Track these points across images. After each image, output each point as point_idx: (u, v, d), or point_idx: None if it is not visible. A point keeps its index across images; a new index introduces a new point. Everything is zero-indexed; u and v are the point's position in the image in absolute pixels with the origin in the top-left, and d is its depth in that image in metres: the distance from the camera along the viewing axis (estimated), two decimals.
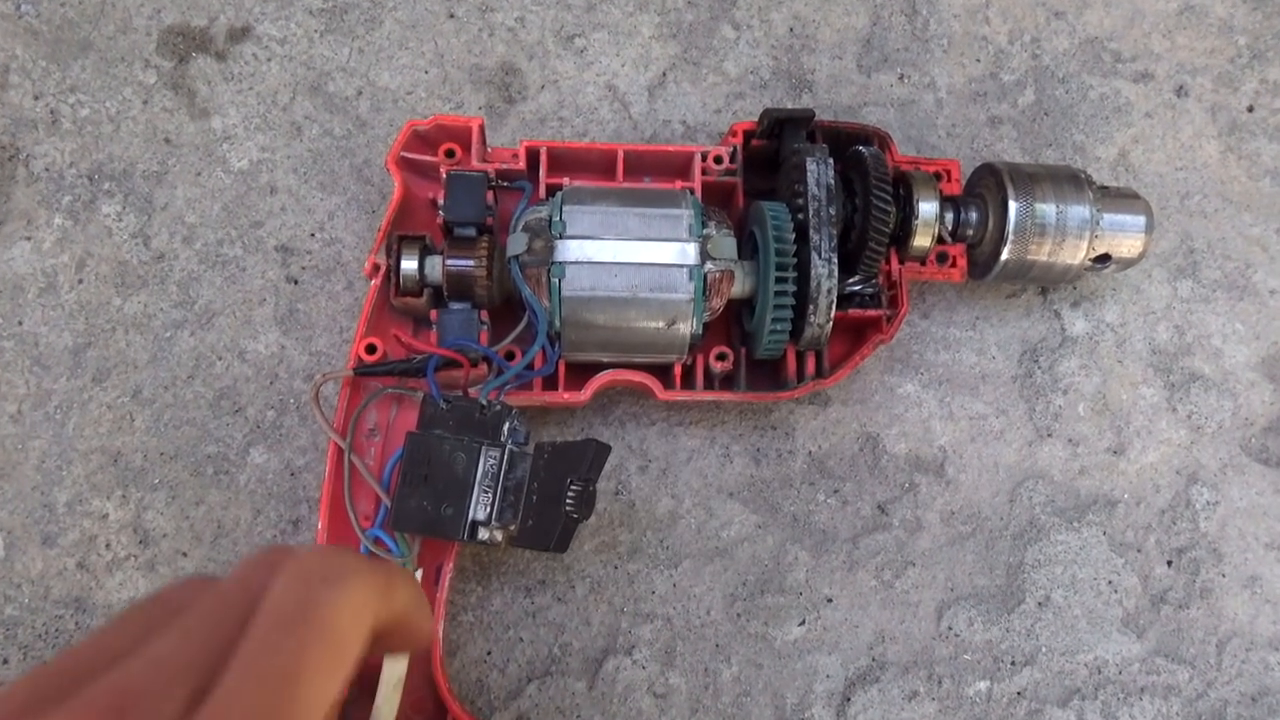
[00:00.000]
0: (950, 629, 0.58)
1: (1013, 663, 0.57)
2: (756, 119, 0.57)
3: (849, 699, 0.56)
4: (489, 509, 0.46)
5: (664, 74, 0.65)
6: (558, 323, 0.50)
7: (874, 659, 0.57)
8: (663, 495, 0.59)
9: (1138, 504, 0.61)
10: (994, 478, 0.60)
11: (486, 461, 0.46)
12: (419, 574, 0.47)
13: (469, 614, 0.56)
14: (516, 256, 0.49)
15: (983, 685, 0.57)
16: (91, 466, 0.57)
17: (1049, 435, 0.61)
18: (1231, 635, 0.59)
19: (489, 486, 0.46)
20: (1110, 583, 0.59)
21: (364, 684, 0.34)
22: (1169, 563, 0.60)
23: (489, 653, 0.56)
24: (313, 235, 0.61)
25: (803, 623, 0.57)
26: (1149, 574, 0.59)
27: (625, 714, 0.55)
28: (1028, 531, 0.60)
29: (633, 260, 0.50)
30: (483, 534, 0.45)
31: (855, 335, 0.59)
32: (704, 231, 0.52)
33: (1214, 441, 0.62)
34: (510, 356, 0.52)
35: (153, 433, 0.57)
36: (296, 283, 0.60)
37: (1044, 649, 0.58)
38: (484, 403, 0.47)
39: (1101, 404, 0.62)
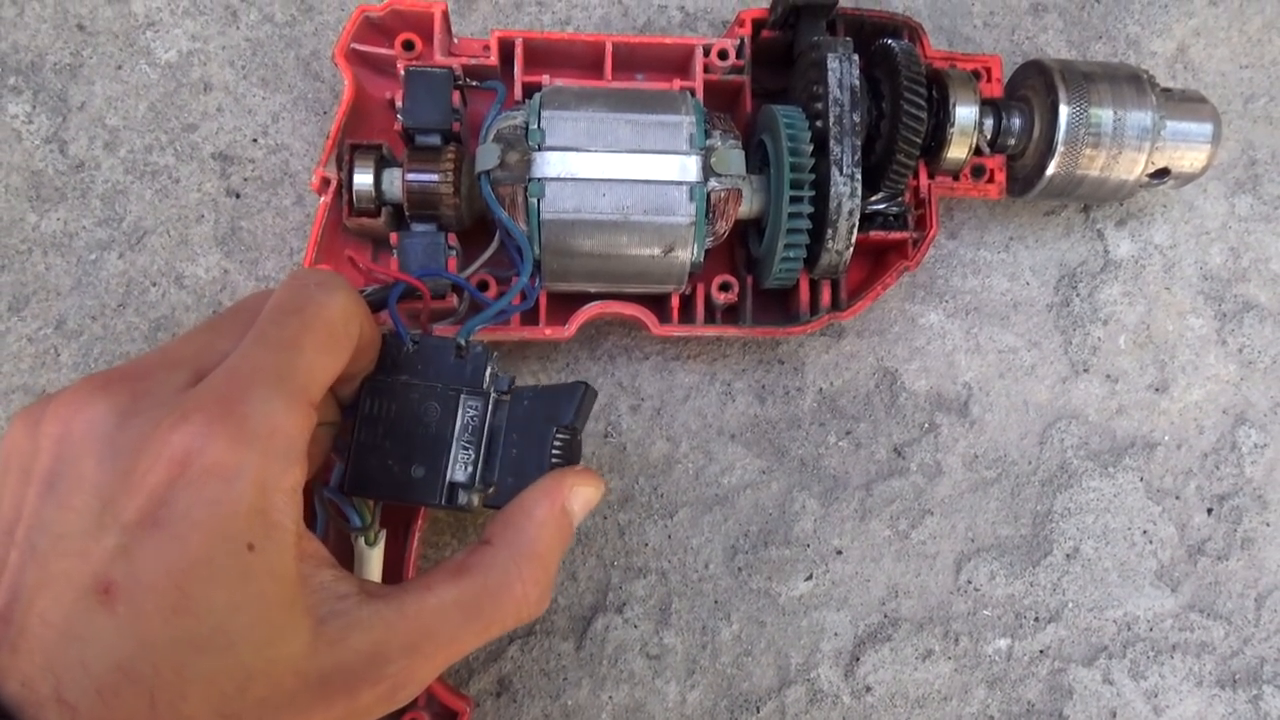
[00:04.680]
0: (969, 583, 0.53)
1: (1036, 619, 0.53)
2: (768, 6, 0.49)
3: (858, 659, 0.52)
4: (471, 469, 0.39)
5: None
6: (536, 249, 0.43)
7: (886, 615, 0.52)
8: (657, 437, 0.53)
9: (1179, 446, 0.55)
10: (1023, 418, 0.55)
11: (466, 413, 0.39)
12: (382, 537, 0.41)
13: (443, 561, 0.51)
14: (487, 172, 0.42)
15: (1003, 643, 0.53)
16: (13, 406, 0.50)
17: (1085, 370, 0.55)
18: (1273, 589, 0.54)
19: (469, 442, 0.39)
20: (1145, 533, 0.54)
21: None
22: (1209, 511, 0.55)
23: None
24: (255, 141, 0.53)
25: (810, 577, 0.52)
26: (1187, 523, 0.54)
27: (616, 676, 0.51)
28: (1058, 477, 0.54)
29: (624, 176, 0.43)
30: (463, 498, 0.39)
31: (875, 260, 0.53)
32: (707, 142, 0.44)
33: (1266, 378, 0.56)
34: (483, 287, 0.45)
35: (80, 369, 0.51)
36: (238, 196, 0.52)
37: (1070, 604, 0.53)
38: (462, 343, 0.39)
39: (1145, 336, 0.56)
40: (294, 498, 0.30)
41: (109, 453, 0.28)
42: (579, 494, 0.38)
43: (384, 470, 0.38)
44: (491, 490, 0.39)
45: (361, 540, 0.40)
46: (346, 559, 0.40)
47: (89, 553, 0.27)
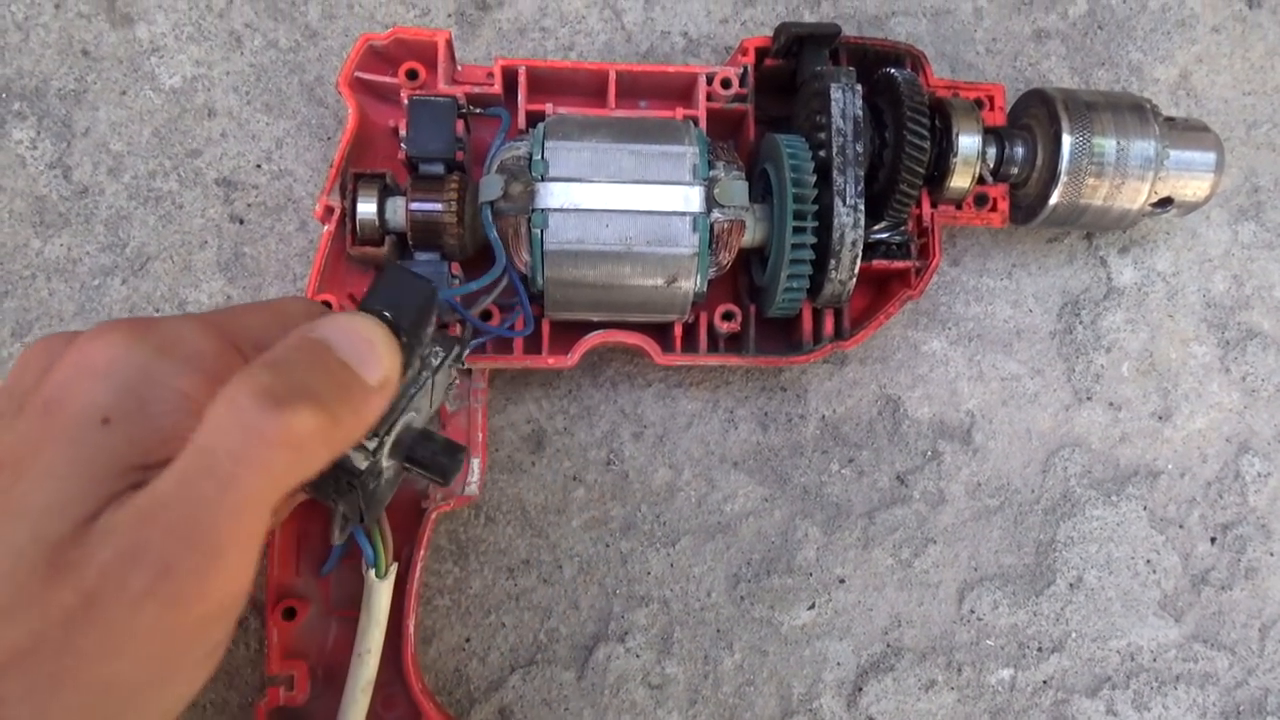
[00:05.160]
0: (973, 612, 0.53)
1: (1039, 649, 0.53)
2: (770, 32, 0.49)
3: (861, 689, 0.52)
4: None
5: None
6: (540, 280, 0.43)
7: (889, 645, 0.52)
8: (659, 465, 0.53)
9: (1182, 475, 0.55)
10: (1026, 446, 0.54)
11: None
12: (393, 571, 0.41)
13: (445, 597, 0.51)
14: (490, 203, 0.42)
15: (1006, 673, 0.52)
16: None
17: (1088, 398, 0.55)
18: (1277, 619, 0.54)
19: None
20: (1149, 562, 0.54)
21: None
22: (1213, 540, 0.55)
23: (468, 640, 0.50)
24: (259, 166, 0.53)
25: (812, 606, 0.52)
26: (1190, 552, 0.54)
27: (618, 706, 0.50)
28: (1061, 505, 0.54)
29: (627, 207, 0.43)
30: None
31: (878, 287, 0.53)
32: (710, 173, 0.44)
33: (1269, 406, 0.56)
34: (487, 316, 0.45)
35: None
36: (242, 222, 0.52)
37: (1074, 634, 0.53)
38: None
39: (1148, 363, 0.56)
40: (175, 398, 0.28)
41: (45, 366, 0.29)
42: (334, 322, 0.31)
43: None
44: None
45: (372, 573, 0.40)
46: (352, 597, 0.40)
47: None
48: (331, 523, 0.37)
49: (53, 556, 0.25)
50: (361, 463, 0.33)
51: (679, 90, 0.50)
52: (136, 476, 0.27)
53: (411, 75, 0.45)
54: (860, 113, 0.46)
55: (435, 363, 0.36)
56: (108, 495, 0.26)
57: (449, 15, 0.54)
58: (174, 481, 0.26)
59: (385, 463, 0.34)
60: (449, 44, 0.46)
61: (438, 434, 0.36)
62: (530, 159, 0.42)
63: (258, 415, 0.26)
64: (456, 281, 0.44)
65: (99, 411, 0.27)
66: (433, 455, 0.35)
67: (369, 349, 0.30)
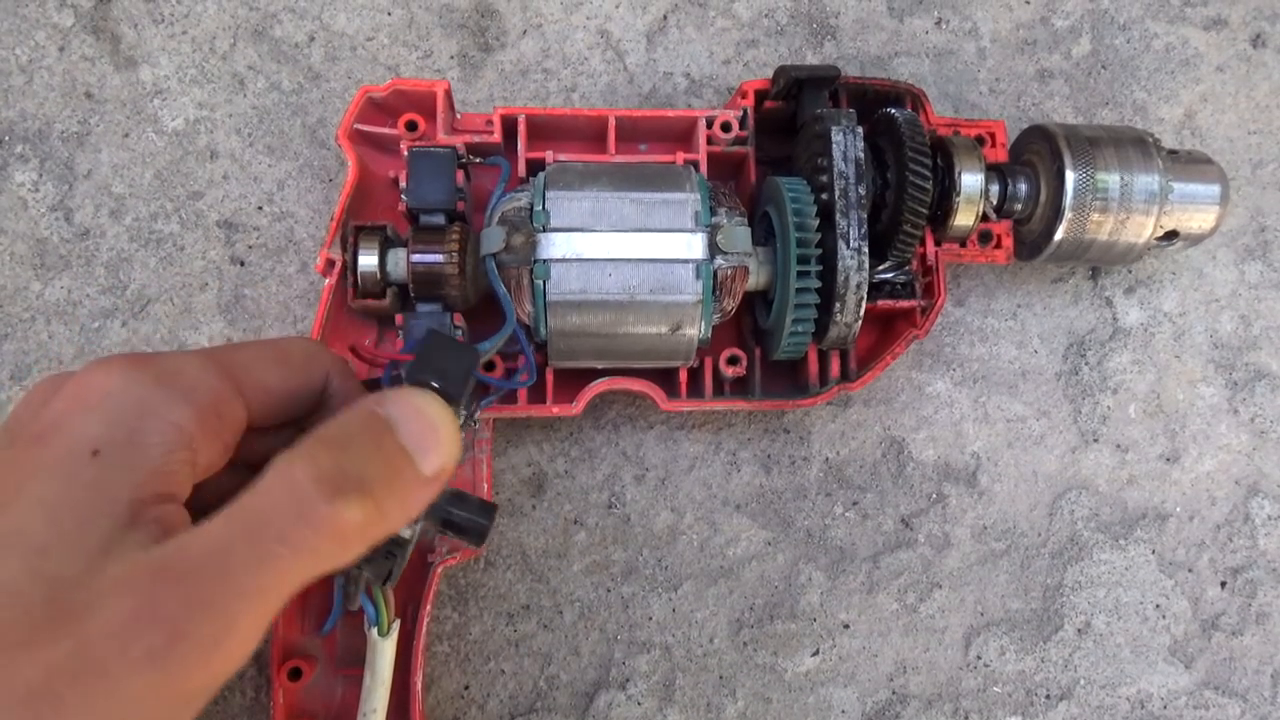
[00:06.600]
0: (979, 658, 0.52)
1: (1047, 696, 0.52)
2: (771, 74, 0.49)
3: None
4: None
5: (665, 17, 0.56)
6: (543, 330, 0.43)
7: (894, 692, 0.52)
8: (661, 508, 0.52)
9: (1191, 518, 0.54)
10: (1032, 488, 0.54)
11: None
12: (395, 628, 0.40)
13: (445, 644, 0.50)
14: (493, 255, 0.41)
15: None
16: None
17: (1095, 440, 0.54)
18: None
19: None
20: (1158, 607, 0.53)
21: None
22: (1223, 584, 0.54)
23: (467, 687, 0.50)
24: (260, 208, 0.53)
25: (816, 652, 0.52)
26: (1200, 597, 0.54)
27: None
28: (1068, 549, 0.53)
29: (630, 256, 0.42)
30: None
31: (883, 327, 0.52)
32: (712, 220, 0.44)
33: (1279, 448, 0.55)
34: (490, 367, 0.45)
35: None
36: (243, 264, 0.52)
37: (1082, 681, 0.52)
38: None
39: (1155, 405, 0.55)
40: (171, 432, 0.27)
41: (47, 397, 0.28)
42: (404, 407, 0.30)
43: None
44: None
45: (375, 631, 0.39)
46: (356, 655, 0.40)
47: None
48: (342, 585, 0.37)
49: (53, 595, 0.24)
50: (406, 534, 0.33)
51: (679, 134, 0.50)
52: (129, 511, 0.26)
53: (411, 126, 0.45)
54: (862, 155, 0.45)
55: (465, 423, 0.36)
56: (106, 532, 0.25)
57: (451, 57, 0.54)
58: (205, 543, 0.25)
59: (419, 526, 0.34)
60: (448, 94, 0.46)
61: (470, 494, 0.36)
62: (531, 209, 0.42)
63: (312, 499, 0.26)
64: (460, 332, 0.43)
65: (89, 443, 0.27)
66: (469, 518, 0.35)
67: (432, 437, 0.29)
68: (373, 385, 0.38)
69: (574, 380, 0.46)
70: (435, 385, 0.31)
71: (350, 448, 0.28)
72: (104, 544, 0.25)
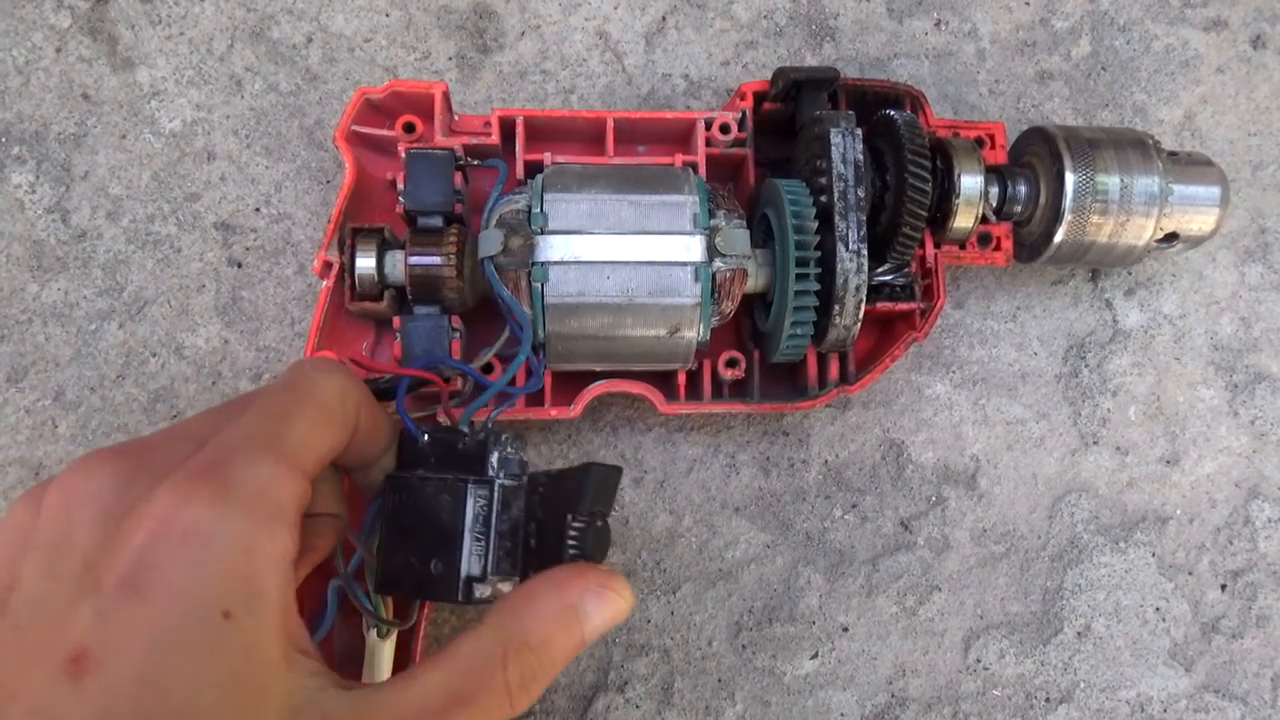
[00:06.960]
0: (979, 662, 0.52)
1: (1047, 699, 0.52)
2: (769, 75, 0.49)
3: None
4: (483, 560, 0.36)
5: (663, 18, 0.56)
6: (541, 333, 0.43)
7: (893, 695, 0.51)
8: (660, 511, 0.52)
9: (1191, 521, 0.54)
10: (1032, 491, 0.54)
11: (475, 503, 0.36)
12: (394, 632, 0.40)
13: (441, 647, 0.50)
14: (491, 257, 0.41)
15: None
16: (9, 481, 0.50)
17: (1095, 443, 0.54)
18: None
19: (480, 533, 0.36)
20: (1158, 610, 0.53)
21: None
22: (1223, 587, 0.54)
23: None
24: (258, 210, 0.53)
25: (815, 655, 0.51)
26: (1200, 600, 0.53)
27: None
28: (1068, 552, 0.53)
29: (628, 258, 0.42)
30: (479, 591, 0.36)
31: (882, 329, 0.52)
32: (711, 222, 0.44)
33: (1279, 450, 0.55)
34: (489, 369, 0.45)
35: (79, 440, 0.50)
36: (240, 266, 0.52)
37: (1082, 684, 0.52)
38: (465, 430, 0.38)
39: (1155, 407, 0.55)
40: (280, 566, 0.28)
41: (101, 519, 0.27)
42: (599, 599, 0.33)
43: (407, 568, 0.36)
44: (516, 582, 0.38)
45: (374, 633, 0.39)
46: (352, 657, 0.40)
47: (66, 621, 0.26)
48: (335, 591, 0.36)
49: None
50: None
51: (677, 136, 0.50)
52: (287, 667, 0.28)
53: (409, 128, 0.45)
54: (860, 157, 0.45)
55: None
56: (284, 700, 0.27)
57: (449, 59, 0.54)
58: (418, 702, 0.30)
59: None
60: (445, 96, 0.45)
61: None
62: (529, 212, 0.42)
63: (513, 697, 0.31)
64: (458, 334, 0.43)
65: (217, 604, 0.26)
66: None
67: (614, 624, 0.34)
68: (373, 385, 0.38)
69: (572, 383, 0.46)
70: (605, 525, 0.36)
71: (549, 652, 0.32)
72: (292, 711, 0.27)
